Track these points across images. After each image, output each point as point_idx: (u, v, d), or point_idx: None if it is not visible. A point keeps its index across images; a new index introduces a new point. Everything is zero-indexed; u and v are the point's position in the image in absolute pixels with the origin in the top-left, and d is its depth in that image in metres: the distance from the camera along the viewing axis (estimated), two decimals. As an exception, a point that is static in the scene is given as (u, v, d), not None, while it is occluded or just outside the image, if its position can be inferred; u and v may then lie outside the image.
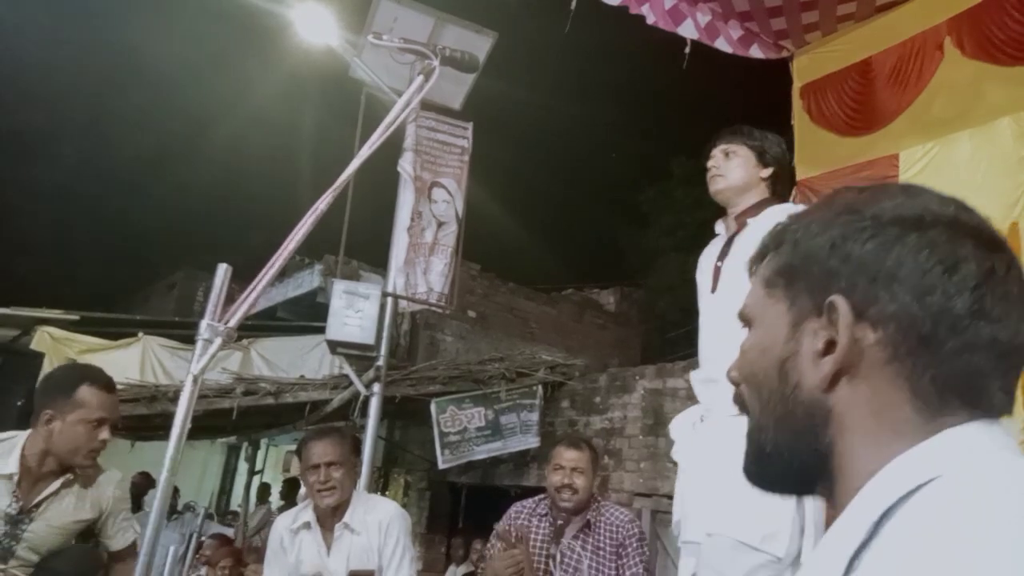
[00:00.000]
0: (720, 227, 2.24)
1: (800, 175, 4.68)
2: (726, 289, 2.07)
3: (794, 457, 0.65)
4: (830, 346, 0.61)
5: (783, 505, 1.78)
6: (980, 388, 0.58)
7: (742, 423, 1.84)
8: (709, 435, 2.04)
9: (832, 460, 0.62)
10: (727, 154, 2.20)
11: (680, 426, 2.22)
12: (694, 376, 2.20)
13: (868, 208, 0.63)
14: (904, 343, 0.59)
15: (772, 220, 1.93)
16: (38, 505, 2.14)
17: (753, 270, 0.75)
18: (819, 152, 4.61)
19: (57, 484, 2.16)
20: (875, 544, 0.50)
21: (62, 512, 2.19)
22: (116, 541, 2.34)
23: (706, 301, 2.17)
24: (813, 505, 1.81)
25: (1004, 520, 0.45)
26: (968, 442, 0.55)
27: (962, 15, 3.96)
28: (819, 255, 0.64)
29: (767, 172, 2.17)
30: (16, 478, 2.09)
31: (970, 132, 3.89)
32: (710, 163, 2.21)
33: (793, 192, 4.67)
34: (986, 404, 0.58)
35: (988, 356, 0.58)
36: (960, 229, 0.60)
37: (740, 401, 0.74)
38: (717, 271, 2.13)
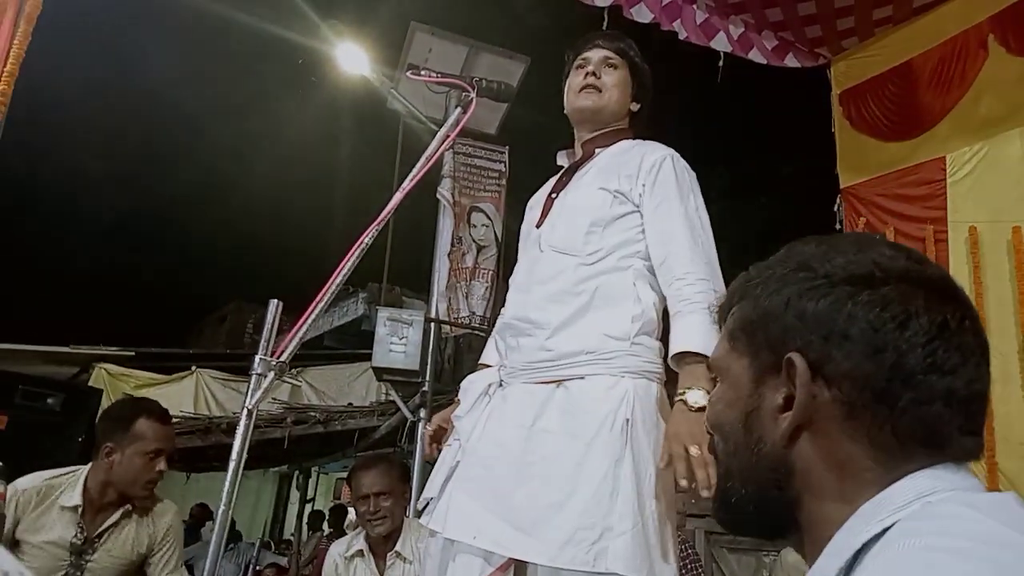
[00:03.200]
0: (563, 158, 1.91)
1: (844, 183, 4.59)
2: (553, 223, 1.75)
3: (760, 507, 0.66)
4: (789, 402, 0.62)
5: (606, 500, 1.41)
6: (942, 435, 0.59)
7: (546, 393, 1.58)
8: (503, 410, 1.62)
9: (800, 512, 0.63)
10: (609, 64, 1.81)
11: (471, 388, 1.76)
12: (496, 327, 1.78)
13: (822, 265, 0.65)
14: (860, 399, 0.59)
15: (623, 152, 1.75)
16: (100, 536, 2.21)
17: (720, 320, 0.76)
18: (862, 159, 4.52)
19: (117, 515, 2.23)
20: None
21: (122, 542, 2.26)
22: None
23: (528, 238, 1.83)
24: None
25: (953, 558, 0.46)
26: (925, 485, 0.56)
27: (1005, 12, 3.86)
28: (776, 312, 0.65)
29: (636, 107, 1.85)
30: (80, 510, 2.17)
31: (1021, 130, 3.76)
32: (589, 68, 1.80)
33: (838, 201, 4.59)
34: (951, 449, 0.59)
35: (946, 406, 0.59)
36: (912, 282, 0.61)
37: (713, 450, 0.75)
38: (550, 203, 1.80)
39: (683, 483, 1.37)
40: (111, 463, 2.19)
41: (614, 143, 1.80)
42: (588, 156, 1.81)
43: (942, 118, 4.09)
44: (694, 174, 1.74)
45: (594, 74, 1.79)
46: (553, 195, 1.82)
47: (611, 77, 1.80)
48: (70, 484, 2.20)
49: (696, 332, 1.48)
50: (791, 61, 4.65)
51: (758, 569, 4.84)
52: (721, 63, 4.34)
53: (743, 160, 11.12)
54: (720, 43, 4.31)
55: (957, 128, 4.03)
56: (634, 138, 1.82)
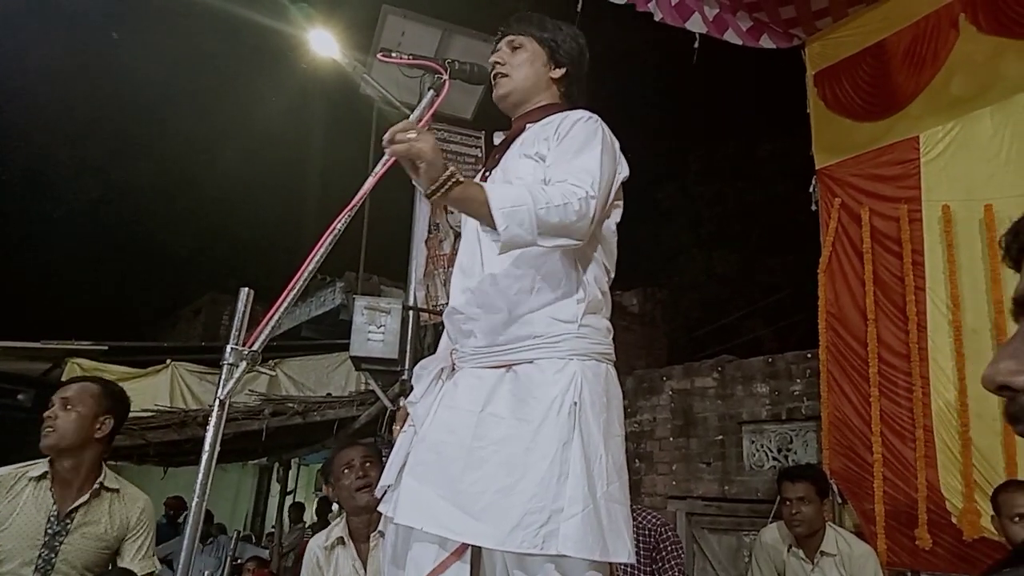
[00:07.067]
0: (499, 138, 1.91)
1: (819, 163, 4.62)
2: None
3: None
4: None
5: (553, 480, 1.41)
6: None
7: (495, 377, 1.57)
8: (454, 395, 1.61)
9: None
10: (513, 48, 1.85)
11: (424, 374, 1.75)
12: (445, 312, 1.78)
13: None
14: None
15: (548, 122, 1.71)
16: (71, 515, 2.25)
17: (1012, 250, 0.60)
18: (837, 139, 4.55)
19: (87, 495, 2.28)
20: None
21: (95, 525, 2.29)
22: (136, 567, 2.36)
23: (467, 221, 1.85)
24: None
25: None
26: None
27: (975, -9, 3.89)
28: None
29: (559, 73, 1.84)
30: (50, 478, 2.26)
31: (991, 109, 3.81)
32: (494, 58, 1.85)
33: (813, 182, 4.62)
34: None
35: None
36: None
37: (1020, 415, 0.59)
38: (483, 181, 1.77)
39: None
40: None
41: (543, 117, 1.78)
42: (518, 131, 1.81)
43: (915, 97, 4.12)
44: (615, 138, 1.68)
45: (499, 62, 1.84)
46: (487, 173, 1.83)
47: (516, 57, 1.84)
48: (39, 464, 2.29)
49: (503, 188, 1.47)
50: (766, 42, 4.66)
51: (738, 549, 4.89)
52: (696, 44, 4.33)
53: (719, 142, 11.15)
54: (695, 24, 4.30)
55: (930, 107, 4.06)
56: (567, 108, 1.78)
